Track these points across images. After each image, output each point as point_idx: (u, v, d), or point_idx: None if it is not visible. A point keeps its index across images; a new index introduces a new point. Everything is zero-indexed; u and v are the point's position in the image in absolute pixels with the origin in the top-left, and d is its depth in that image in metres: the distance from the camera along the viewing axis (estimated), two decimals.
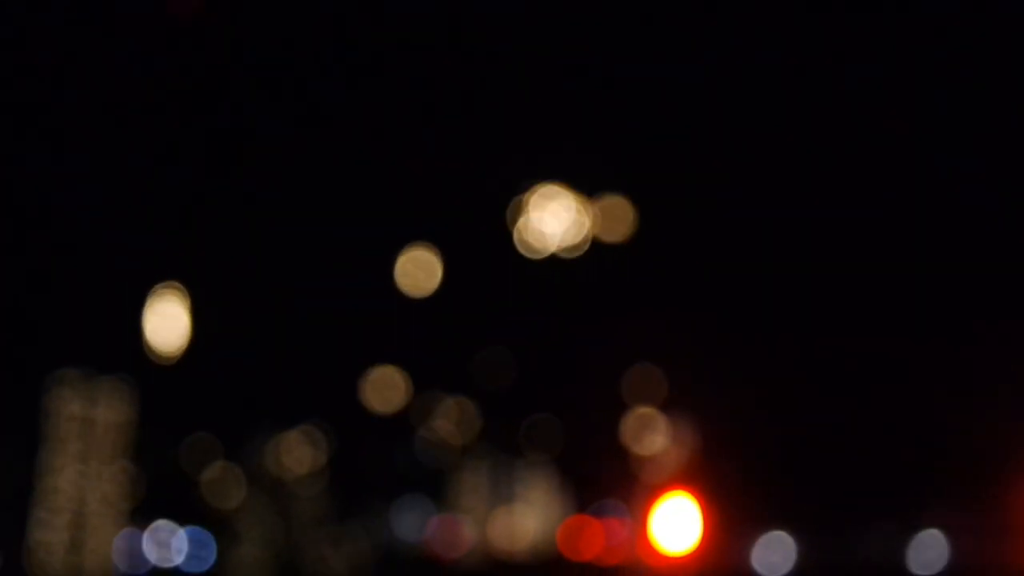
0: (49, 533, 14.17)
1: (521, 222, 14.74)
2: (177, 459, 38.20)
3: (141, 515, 42.74)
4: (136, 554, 29.04)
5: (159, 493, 41.37)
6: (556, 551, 30.68)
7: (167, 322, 16.85)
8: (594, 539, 30.98)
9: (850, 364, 21.83)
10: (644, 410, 27.80)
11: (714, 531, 19.59)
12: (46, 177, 17.06)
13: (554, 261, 19.82)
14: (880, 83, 17.66)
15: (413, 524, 39.00)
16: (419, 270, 17.57)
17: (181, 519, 40.98)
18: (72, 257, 17.97)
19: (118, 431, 15.06)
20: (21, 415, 17.38)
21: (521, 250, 15.90)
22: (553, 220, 15.61)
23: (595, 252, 19.19)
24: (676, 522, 17.63)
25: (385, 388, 26.76)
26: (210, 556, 25.88)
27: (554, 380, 26.23)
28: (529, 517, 31.10)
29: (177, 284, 16.96)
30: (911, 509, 18.39)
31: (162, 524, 41.25)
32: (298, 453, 35.02)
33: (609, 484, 28.38)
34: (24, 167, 16.64)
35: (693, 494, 18.41)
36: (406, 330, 23.46)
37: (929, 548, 18.30)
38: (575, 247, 17.61)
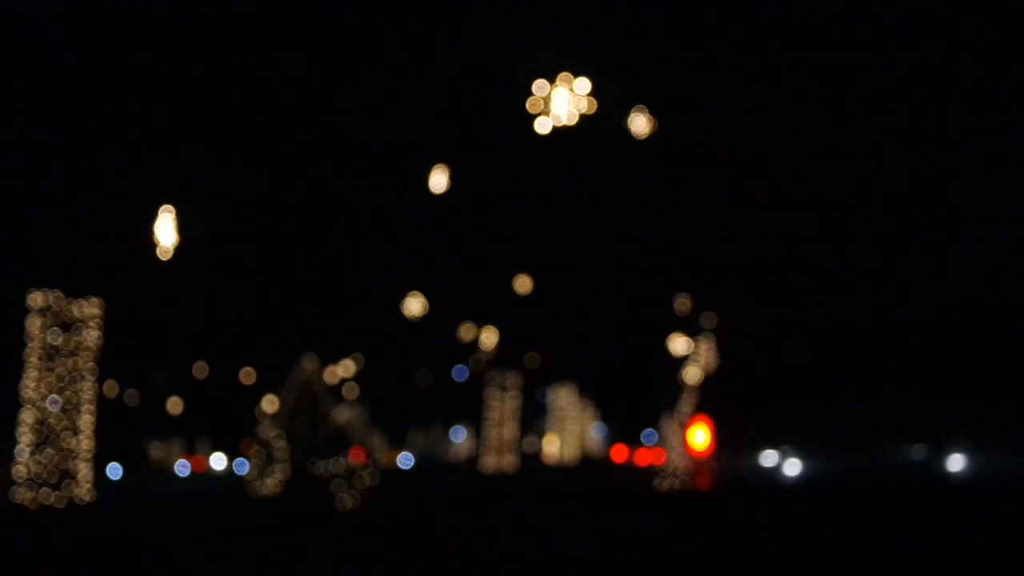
0: (31, 464, 14.02)
1: (539, 121, 14.52)
2: (230, 393, 39.52)
3: (196, 448, 44.43)
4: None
5: (214, 424, 42.98)
6: (600, 457, 33.52)
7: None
8: (628, 453, 33.56)
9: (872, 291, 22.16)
10: (678, 338, 28.24)
11: (733, 442, 20.86)
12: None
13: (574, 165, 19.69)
14: None
15: (463, 443, 40.42)
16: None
17: (232, 452, 42.67)
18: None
19: (94, 357, 14.71)
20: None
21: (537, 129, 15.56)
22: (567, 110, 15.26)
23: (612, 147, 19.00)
24: (700, 436, 19.82)
25: (421, 317, 27.36)
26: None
27: (586, 315, 26.67)
28: (567, 439, 32.03)
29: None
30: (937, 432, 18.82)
31: (217, 457, 43.26)
32: (337, 382, 36.10)
33: (642, 412, 29.24)
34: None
35: (715, 413, 20.10)
36: (438, 257, 23.79)
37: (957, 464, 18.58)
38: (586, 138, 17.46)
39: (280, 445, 18.02)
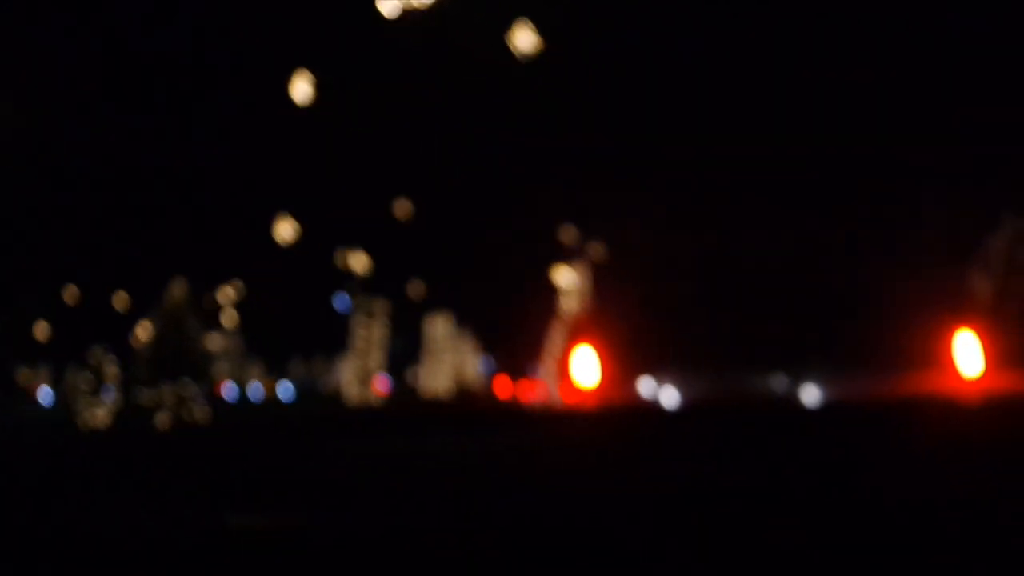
0: None
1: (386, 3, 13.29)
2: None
3: (65, 375, 42.84)
4: None
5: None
6: (483, 394, 33.20)
7: None
8: (511, 388, 33.27)
9: (748, 233, 22.07)
10: (561, 269, 27.77)
11: (613, 372, 20.68)
12: None
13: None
14: None
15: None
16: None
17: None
18: None
19: None
20: None
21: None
22: None
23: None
24: (584, 365, 19.65)
25: (295, 241, 26.31)
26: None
27: (465, 242, 25.94)
28: (444, 370, 31.48)
29: None
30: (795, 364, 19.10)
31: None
32: (214, 307, 34.91)
33: (524, 344, 28.83)
34: None
35: (596, 345, 20.04)
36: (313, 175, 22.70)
37: (811, 393, 18.86)
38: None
39: (112, 371, 17.01)
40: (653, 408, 18.97)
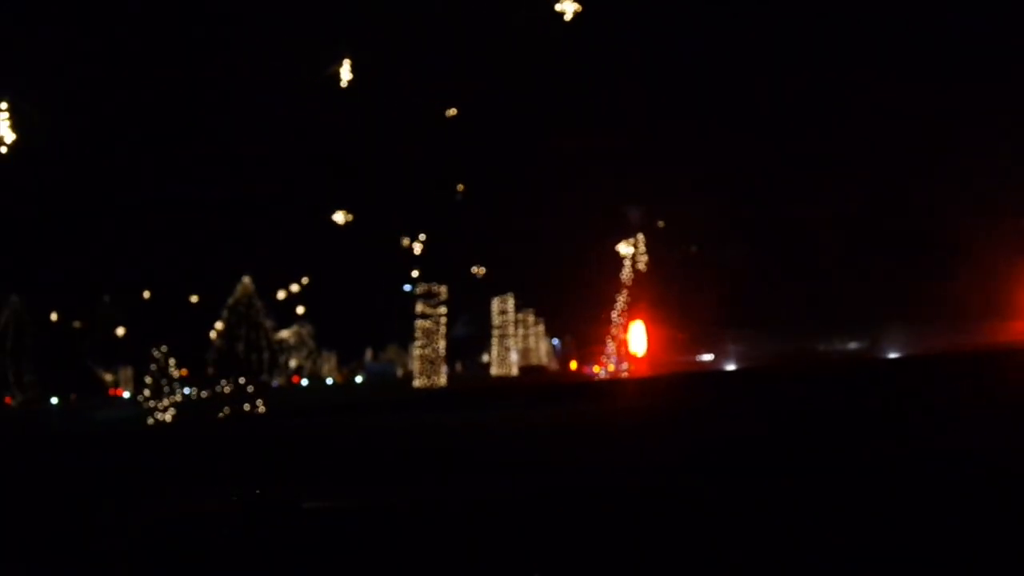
0: None
1: None
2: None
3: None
4: None
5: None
6: (555, 370, 33.56)
7: None
8: (580, 364, 33.47)
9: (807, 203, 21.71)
10: (623, 244, 27.45)
11: (677, 341, 20.75)
12: None
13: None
14: None
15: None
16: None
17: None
18: None
19: None
20: None
21: None
22: None
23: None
24: (637, 337, 20.28)
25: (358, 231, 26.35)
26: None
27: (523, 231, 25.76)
28: (510, 351, 31.58)
29: None
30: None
31: None
32: (284, 298, 35.33)
33: (589, 320, 28.87)
34: None
35: (656, 317, 20.65)
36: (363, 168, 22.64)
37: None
38: None
39: (180, 369, 17.31)
40: (717, 370, 18.85)
